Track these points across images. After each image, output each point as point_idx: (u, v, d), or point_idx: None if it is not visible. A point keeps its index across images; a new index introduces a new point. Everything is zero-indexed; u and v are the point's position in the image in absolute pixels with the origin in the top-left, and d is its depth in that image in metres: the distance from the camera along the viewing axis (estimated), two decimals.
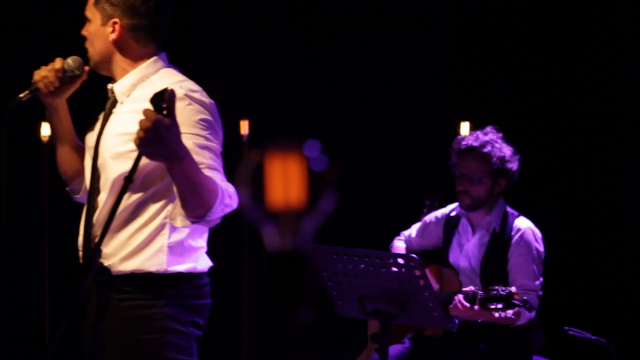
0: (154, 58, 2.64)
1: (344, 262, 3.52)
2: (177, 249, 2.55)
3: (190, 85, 2.57)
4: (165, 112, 2.21)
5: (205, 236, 2.68)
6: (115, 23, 2.61)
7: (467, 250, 4.16)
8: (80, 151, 2.76)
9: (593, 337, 4.05)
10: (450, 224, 4.27)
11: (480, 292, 3.77)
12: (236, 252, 4.76)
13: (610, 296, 5.60)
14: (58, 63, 2.68)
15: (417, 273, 3.39)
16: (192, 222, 2.38)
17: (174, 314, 2.55)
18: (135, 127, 2.30)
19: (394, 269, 3.42)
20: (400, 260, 3.40)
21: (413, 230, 4.43)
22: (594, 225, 5.61)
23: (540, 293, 4.08)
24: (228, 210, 2.42)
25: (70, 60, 2.69)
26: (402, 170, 5.78)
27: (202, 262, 2.62)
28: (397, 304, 3.45)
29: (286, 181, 1.13)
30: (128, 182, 2.29)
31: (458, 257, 4.18)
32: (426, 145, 4.74)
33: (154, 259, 2.53)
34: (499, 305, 3.72)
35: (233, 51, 5.54)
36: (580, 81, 5.62)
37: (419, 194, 4.73)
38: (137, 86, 2.63)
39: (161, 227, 2.54)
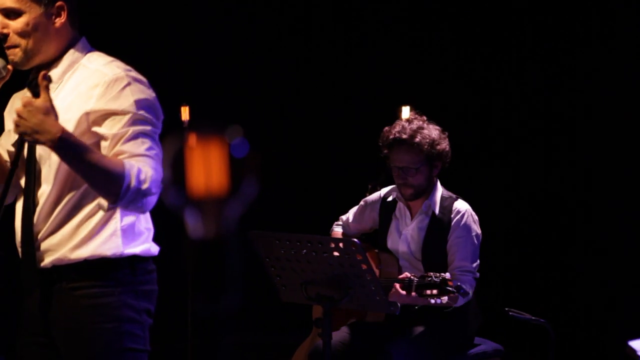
0: (81, 41, 2.60)
1: (286, 247, 3.54)
2: (130, 232, 2.53)
3: (124, 65, 2.55)
4: (37, 94, 2.36)
5: (148, 216, 2.65)
6: (60, 8, 2.55)
7: (405, 235, 4.17)
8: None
9: (533, 318, 4.12)
10: (386, 208, 4.28)
11: (415, 279, 3.81)
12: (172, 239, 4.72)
13: (551, 277, 5.69)
14: None
15: (359, 257, 3.41)
16: (111, 206, 2.40)
17: (129, 302, 2.52)
18: (74, 114, 2.37)
19: (336, 253, 3.44)
20: (342, 245, 3.43)
21: (350, 214, 4.44)
22: (533, 205, 5.69)
23: (477, 275, 4.13)
24: (150, 197, 2.41)
25: None
26: (345, 155, 5.79)
27: (153, 245, 2.61)
28: (339, 288, 3.49)
29: (207, 168, 1.10)
30: (14, 167, 2.42)
31: (397, 242, 4.20)
32: (368, 129, 4.75)
33: (108, 243, 2.49)
34: (434, 292, 3.76)
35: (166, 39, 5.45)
36: (520, 61, 5.67)
37: (362, 178, 4.75)
38: (67, 72, 2.57)
39: (112, 211, 2.50)
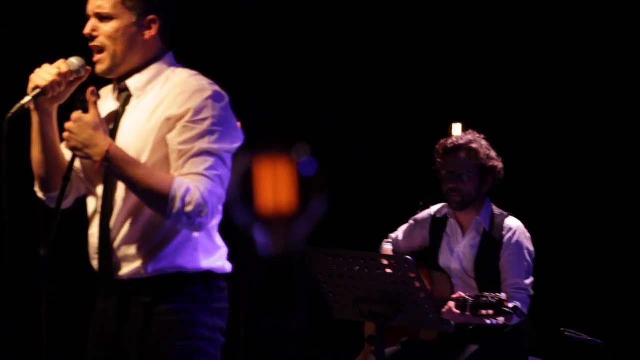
0: (168, 55, 2.62)
1: (339, 264, 3.54)
2: (207, 246, 2.54)
3: (205, 79, 2.56)
4: (85, 109, 2.41)
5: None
6: (152, 21, 2.55)
7: (457, 252, 4.15)
8: (64, 156, 2.66)
9: (589, 339, 4.06)
10: (437, 225, 4.27)
11: (470, 299, 3.78)
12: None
13: (607, 297, 5.61)
14: (64, 65, 2.52)
15: (412, 275, 3.40)
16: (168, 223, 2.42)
17: (204, 320, 2.51)
18: (156, 121, 2.44)
19: (389, 270, 3.44)
20: (395, 262, 3.43)
21: (400, 232, 4.43)
22: (590, 225, 5.62)
23: (531, 292, 4.08)
24: (199, 219, 2.39)
25: (75, 61, 2.54)
26: (395, 172, 5.79)
27: (227, 263, 2.62)
28: (392, 306, 3.48)
29: (276, 186, 1.12)
30: (66, 181, 2.43)
31: (449, 260, 4.18)
32: (418, 146, 4.75)
33: (186, 256, 2.50)
34: (490, 312, 3.73)
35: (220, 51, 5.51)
36: (571, 82, 5.63)
37: (412, 196, 4.74)
38: (151, 82, 2.57)
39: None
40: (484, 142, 4.14)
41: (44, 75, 2.47)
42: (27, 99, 2.44)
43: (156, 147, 2.47)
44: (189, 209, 2.39)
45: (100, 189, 2.55)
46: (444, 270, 4.21)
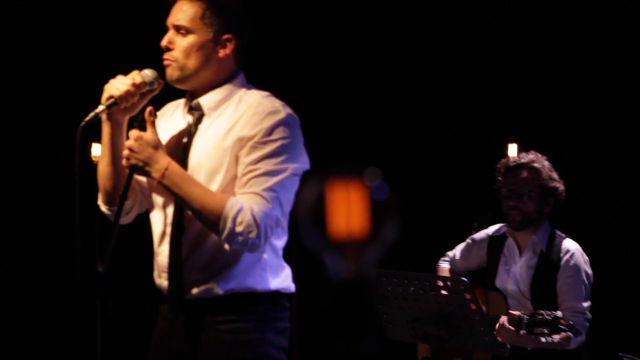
0: (240, 76, 2.61)
1: (394, 285, 3.52)
2: (275, 267, 2.53)
3: (278, 101, 2.56)
4: (143, 128, 2.45)
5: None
6: (228, 40, 2.54)
7: (514, 273, 4.10)
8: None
9: None
10: (494, 245, 4.21)
11: (525, 317, 3.72)
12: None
13: None
14: (137, 76, 2.51)
15: (467, 297, 3.36)
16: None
17: (271, 339, 2.50)
18: (229, 141, 2.46)
19: (444, 292, 3.41)
20: (450, 284, 3.39)
21: (457, 251, 4.39)
22: None
23: (589, 316, 4.01)
24: (252, 240, 2.39)
25: (149, 72, 2.53)
26: (450, 192, 5.76)
27: (292, 283, 2.61)
28: (447, 327, 3.45)
29: (348, 210, 1.13)
30: (123, 199, 2.45)
31: (506, 281, 4.12)
32: (474, 166, 4.72)
33: (256, 277, 2.49)
34: (545, 330, 3.66)
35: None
36: (629, 105, 5.56)
37: (467, 215, 4.71)
38: (224, 102, 2.57)
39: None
40: (546, 163, 4.10)
41: (118, 85, 2.48)
42: (100, 108, 2.45)
43: (230, 166, 2.47)
44: (239, 229, 2.39)
45: (170, 208, 2.55)
46: (500, 291, 4.16)
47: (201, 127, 2.56)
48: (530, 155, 4.10)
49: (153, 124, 2.47)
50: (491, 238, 4.22)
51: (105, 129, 2.55)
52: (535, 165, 4.03)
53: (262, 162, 2.44)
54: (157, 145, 2.45)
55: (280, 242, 2.54)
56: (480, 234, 4.30)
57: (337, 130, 5.31)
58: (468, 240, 4.35)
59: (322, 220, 1.06)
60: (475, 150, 5.59)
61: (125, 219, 2.63)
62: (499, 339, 3.66)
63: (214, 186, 2.48)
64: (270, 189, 2.43)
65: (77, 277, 2.42)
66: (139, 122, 2.47)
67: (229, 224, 2.39)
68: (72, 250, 2.39)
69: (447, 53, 5.84)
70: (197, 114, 2.58)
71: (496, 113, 5.74)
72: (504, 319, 3.73)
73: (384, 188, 1.07)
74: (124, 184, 2.51)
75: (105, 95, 2.48)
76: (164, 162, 2.44)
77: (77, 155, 2.38)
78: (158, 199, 2.57)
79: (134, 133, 2.45)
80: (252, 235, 2.39)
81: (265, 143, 2.45)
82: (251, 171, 2.44)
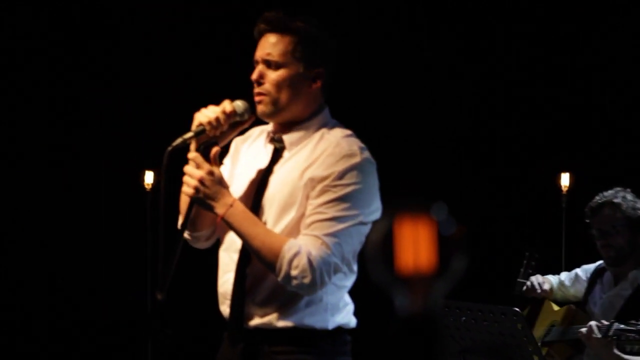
0: (325, 110, 2.59)
1: (445, 314, 3.50)
2: (336, 306, 2.51)
3: (359, 142, 2.53)
4: (207, 157, 2.45)
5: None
6: (319, 73, 2.53)
7: (604, 300, 4.05)
8: None
9: None
10: (596, 274, 4.15)
11: (616, 323, 3.58)
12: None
13: None
14: (228, 105, 2.50)
15: (520, 327, 3.33)
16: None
17: None
18: (304, 182, 2.46)
19: (497, 322, 3.38)
20: (503, 314, 3.35)
21: (566, 279, 4.35)
22: None
23: None
24: (305, 284, 2.39)
25: (240, 103, 2.52)
26: (503, 223, 5.72)
27: (353, 319, 2.60)
28: (499, 358, 3.39)
29: (416, 245, 1.13)
30: (183, 229, 2.47)
31: (595, 305, 4.08)
32: (525, 197, 4.70)
33: (316, 316, 2.48)
34: (635, 347, 3.53)
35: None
36: None
37: (519, 247, 4.67)
38: (306, 138, 2.55)
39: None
40: (628, 195, 4.07)
41: (207, 113, 2.48)
42: (189, 134, 2.44)
43: (302, 204, 2.43)
44: (294, 272, 2.38)
45: (239, 239, 2.55)
46: (587, 314, 4.08)
47: (280, 160, 2.55)
48: (610, 191, 4.08)
49: (216, 161, 2.47)
50: (595, 269, 4.18)
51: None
52: (615, 200, 4.00)
53: (329, 206, 2.42)
54: (223, 182, 2.46)
55: (345, 282, 2.52)
56: (590, 267, 4.27)
57: (403, 166, 5.32)
58: (577, 271, 4.30)
59: (389, 256, 1.06)
60: (527, 181, 5.56)
61: (204, 244, 2.65)
62: (583, 340, 3.56)
63: (284, 222, 2.48)
64: (333, 234, 2.41)
65: (154, 305, 2.43)
66: (203, 149, 2.45)
67: (284, 267, 2.39)
68: (152, 276, 2.40)
69: (503, 88, 5.84)
70: (279, 146, 2.57)
71: (549, 142, 5.71)
72: (593, 323, 3.62)
73: (451, 222, 1.08)
74: (206, 212, 2.53)
75: (195, 122, 2.49)
76: (229, 199, 2.44)
77: (162, 180, 2.41)
78: (227, 229, 2.58)
79: (205, 167, 2.43)
80: (306, 280, 2.39)
81: (335, 187, 2.43)
82: (317, 213, 2.43)
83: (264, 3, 2.84)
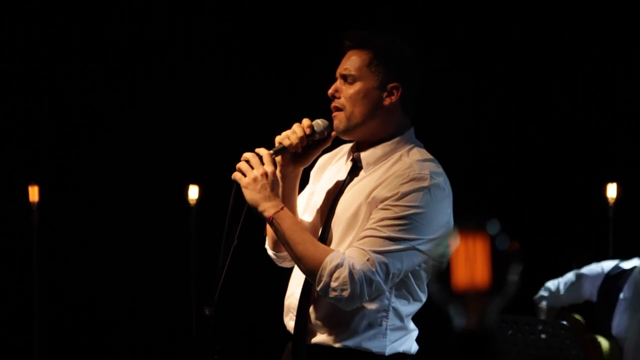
0: (409, 131, 2.52)
1: (496, 328, 3.46)
2: (397, 332, 2.48)
3: (437, 167, 2.46)
4: (277, 165, 2.45)
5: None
6: (395, 88, 2.46)
7: (638, 319, 3.90)
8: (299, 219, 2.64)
9: None
10: (610, 285, 4.04)
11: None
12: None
13: None
14: (307, 122, 2.49)
15: (568, 341, 3.29)
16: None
17: None
18: (370, 201, 2.42)
19: (543, 335, 3.34)
20: (551, 327, 3.32)
21: (561, 285, 4.22)
22: None
23: None
24: (344, 298, 2.35)
25: (320, 121, 2.50)
26: (549, 233, 5.68)
27: (414, 345, 2.57)
28: None
29: (471, 261, 1.13)
30: (230, 244, 2.43)
31: (627, 327, 3.92)
32: (573, 209, 4.65)
33: (374, 341, 2.45)
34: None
35: None
36: None
37: (567, 256, 4.63)
38: (385, 159, 2.49)
39: (383, 310, 2.46)
40: None
41: (287, 133, 2.48)
42: (270, 150, 2.43)
43: (364, 223, 2.40)
44: (334, 284, 2.35)
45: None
46: (613, 338, 3.94)
47: (355, 179, 2.51)
48: None
49: (276, 164, 2.45)
50: (607, 276, 4.03)
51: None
52: None
53: (385, 224, 2.37)
54: (275, 186, 2.44)
55: (408, 308, 2.48)
56: (593, 269, 4.11)
57: (456, 184, 5.34)
58: (578, 273, 4.15)
59: (445, 273, 1.07)
60: (574, 192, 5.51)
61: (289, 264, 2.62)
62: None
63: (348, 240, 2.45)
64: (382, 252, 2.37)
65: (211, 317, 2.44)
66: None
67: (325, 277, 2.36)
68: (197, 291, 2.42)
69: (548, 100, 5.81)
70: (355, 165, 2.53)
71: (595, 153, 5.66)
72: None
73: (504, 238, 1.08)
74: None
75: (276, 143, 2.49)
76: (278, 203, 2.42)
77: (231, 207, 2.41)
78: None
79: (266, 167, 2.41)
80: (345, 293, 2.35)
81: (395, 206, 2.38)
82: (372, 229, 2.38)
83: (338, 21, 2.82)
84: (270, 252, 2.65)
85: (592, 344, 3.86)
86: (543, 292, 4.25)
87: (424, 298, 2.50)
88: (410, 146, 2.50)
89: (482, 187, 5.65)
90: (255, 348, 5.94)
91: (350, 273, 2.35)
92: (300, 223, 2.48)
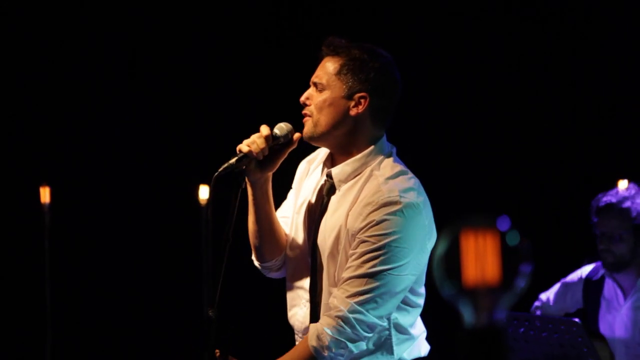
0: (379, 142, 2.50)
1: (505, 325, 3.45)
2: (402, 343, 2.49)
3: (407, 181, 2.45)
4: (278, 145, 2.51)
5: (420, 320, 2.57)
6: (362, 98, 2.45)
7: (621, 317, 3.91)
8: (279, 227, 2.64)
9: None
10: (591, 289, 4.01)
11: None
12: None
13: None
14: (265, 129, 2.49)
15: (580, 338, 3.29)
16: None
17: None
18: (341, 227, 2.44)
19: (556, 333, 3.33)
20: (562, 325, 3.31)
21: (551, 294, 4.21)
22: None
23: None
24: (346, 354, 2.41)
25: (284, 125, 2.52)
26: (560, 231, 5.66)
27: (424, 347, 2.55)
28: None
29: (481, 258, 1.15)
30: (227, 243, 2.46)
31: (612, 327, 3.93)
32: (584, 205, 4.62)
33: (382, 358, 2.48)
34: None
35: None
36: None
37: (578, 255, 4.61)
38: (356, 175, 2.49)
39: (385, 329, 2.47)
40: (639, 200, 3.89)
41: (247, 141, 2.49)
42: (231, 161, 2.46)
43: (346, 248, 2.42)
44: (325, 354, 2.38)
45: (306, 280, 2.55)
46: (604, 340, 3.96)
47: (333, 200, 2.51)
48: (624, 192, 3.90)
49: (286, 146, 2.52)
50: (587, 281, 4.04)
51: (249, 191, 2.56)
52: (625, 205, 3.82)
53: (366, 259, 2.37)
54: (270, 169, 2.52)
55: (408, 318, 2.48)
56: (574, 277, 4.10)
57: (466, 181, 5.30)
58: (562, 283, 4.17)
59: (456, 269, 1.07)
60: (584, 189, 5.49)
61: (277, 274, 2.65)
62: None
63: (333, 268, 2.47)
64: (368, 291, 2.38)
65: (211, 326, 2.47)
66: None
67: (322, 354, 2.38)
68: (208, 292, 2.43)
69: (558, 98, 5.80)
70: (329, 183, 2.53)
71: (605, 149, 5.64)
72: None
73: (515, 235, 1.08)
74: (272, 240, 2.57)
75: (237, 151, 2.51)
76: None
77: (211, 206, 2.45)
78: (296, 263, 2.58)
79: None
80: (346, 351, 2.40)
81: (372, 237, 2.37)
82: (352, 268, 2.39)
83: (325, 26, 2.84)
84: (256, 263, 2.65)
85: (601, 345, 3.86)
86: (537, 303, 4.24)
87: (421, 301, 2.50)
88: (381, 158, 2.48)
89: (493, 183, 5.64)
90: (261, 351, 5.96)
91: (334, 333, 2.37)
92: None
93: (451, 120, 5.68)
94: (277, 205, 2.69)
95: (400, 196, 2.39)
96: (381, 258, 2.37)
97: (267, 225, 2.57)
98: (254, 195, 2.55)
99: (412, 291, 2.47)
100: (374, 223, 2.38)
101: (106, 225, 5.70)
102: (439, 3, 5.81)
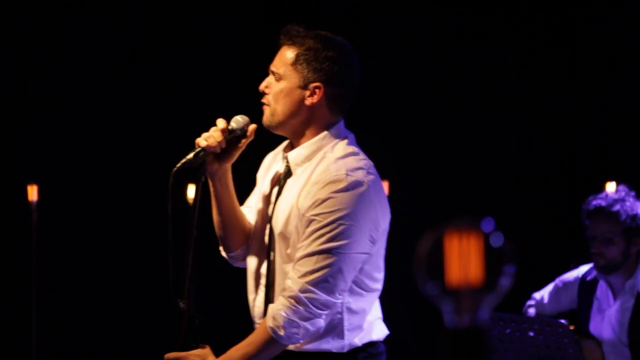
0: (336, 126, 2.54)
1: (489, 325, 3.46)
2: (356, 329, 2.52)
3: (358, 162, 2.49)
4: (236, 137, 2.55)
5: (377, 304, 2.59)
6: (317, 88, 2.49)
7: (609, 317, 3.94)
8: (243, 217, 2.68)
9: None
10: (585, 288, 4.05)
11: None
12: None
13: None
14: (222, 122, 2.53)
15: (566, 340, 3.30)
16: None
17: None
18: (294, 209, 2.46)
19: (542, 334, 3.34)
20: (549, 326, 3.32)
21: (545, 293, 4.23)
22: None
23: None
24: (297, 330, 2.44)
25: (240, 117, 2.56)
26: (547, 232, 5.68)
27: (377, 332, 2.56)
28: None
29: (465, 258, 1.16)
30: (192, 235, 2.55)
31: (600, 327, 3.94)
32: (572, 206, 4.64)
33: (332, 343, 2.50)
34: None
35: None
36: None
37: (565, 257, 4.62)
38: (311, 158, 2.52)
39: (337, 312, 2.49)
40: (629, 202, 3.90)
41: (204, 135, 2.53)
42: (189, 156, 2.51)
43: (300, 230, 2.46)
44: (281, 333, 2.43)
45: (264, 264, 2.58)
46: (594, 338, 4.00)
47: (289, 182, 2.55)
48: (614, 195, 3.91)
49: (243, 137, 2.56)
50: (582, 281, 4.07)
51: (210, 183, 2.60)
52: (614, 209, 3.82)
53: (316, 237, 2.41)
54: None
55: (362, 301, 2.50)
56: (570, 276, 4.15)
57: (451, 182, 5.31)
58: (557, 282, 4.21)
59: (439, 269, 1.07)
60: (573, 190, 5.51)
61: (243, 263, 2.68)
62: None
63: (285, 247, 2.50)
64: (318, 269, 2.41)
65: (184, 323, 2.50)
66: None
67: (280, 333, 2.42)
68: (165, 289, 2.47)
69: (546, 100, 5.82)
70: (286, 168, 2.57)
71: (594, 151, 5.66)
72: None
73: (499, 237, 1.08)
74: (236, 231, 2.62)
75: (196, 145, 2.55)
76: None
77: (170, 201, 2.51)
78: (254, 250, 2.61)
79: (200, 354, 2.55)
80: (301, 331, 2.43)
81: (319, 215, 2.40)
82: (303, 247, 2.43)
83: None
84: (223, 254, 2.70)
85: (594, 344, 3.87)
86: (530, 302, 4.26)
87: (378, 285, 2.52)
88: (335, 142, 2.51)
89: (477, 184, 5.65)
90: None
91: (287, 312, 2.41)
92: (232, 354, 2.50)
93: (442, 121, 5.69)
94: (244, 198, 2.73)
95: (347, 174, 2.43)
96: (328, 235, 2.40)
97: (230, 216, 2.61)
98: (214, 187, 2.59)
99: (367, 275, 2.49)
100: (319, 201, 2.42)
101: (94, 224, 5.68)
102: (431, 2, 5.82)
